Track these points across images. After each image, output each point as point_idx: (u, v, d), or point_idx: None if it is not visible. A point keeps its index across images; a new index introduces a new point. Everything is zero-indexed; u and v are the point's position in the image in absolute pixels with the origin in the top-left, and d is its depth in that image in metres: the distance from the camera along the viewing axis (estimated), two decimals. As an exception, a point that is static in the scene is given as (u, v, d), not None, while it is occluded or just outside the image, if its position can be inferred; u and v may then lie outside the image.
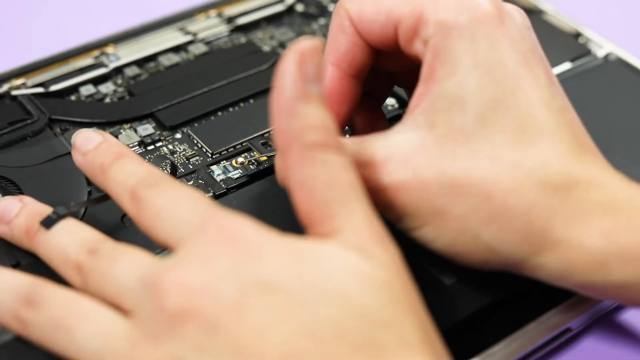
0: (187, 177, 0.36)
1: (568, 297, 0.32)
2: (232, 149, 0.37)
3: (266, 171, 0.36)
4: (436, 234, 0.29)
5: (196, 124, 0.39)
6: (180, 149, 0.38)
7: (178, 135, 0.38)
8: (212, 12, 0.46)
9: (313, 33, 0.46)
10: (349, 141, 0.29)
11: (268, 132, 0.38)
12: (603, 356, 0.33)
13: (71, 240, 0.28)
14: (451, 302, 0.31)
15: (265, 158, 0.37)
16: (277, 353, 0.23)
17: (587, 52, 0.44)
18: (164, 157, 0.37)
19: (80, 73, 0.42)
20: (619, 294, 0.28)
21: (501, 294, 0.31)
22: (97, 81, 0.42)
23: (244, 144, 0.38)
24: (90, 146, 0.30)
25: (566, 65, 0.43)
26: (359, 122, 0.34)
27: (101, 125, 0.39)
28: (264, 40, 0.45)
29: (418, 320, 0.25)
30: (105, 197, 0.30)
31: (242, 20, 0.46)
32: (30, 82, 0.41)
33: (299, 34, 0.45)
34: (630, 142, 0.38)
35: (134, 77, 0.42)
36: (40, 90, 0.40)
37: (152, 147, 0.38)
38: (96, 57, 0.43)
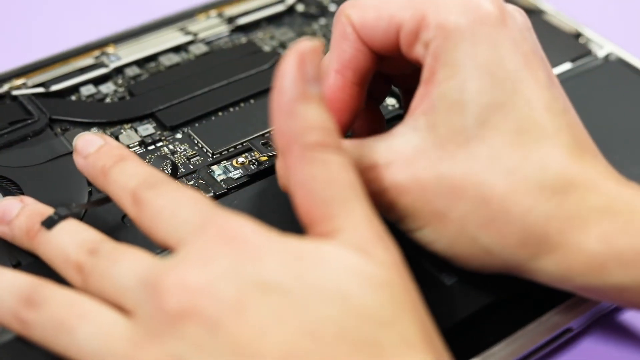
0: (187, 177, 0.36)
1: (568, 298, 0.32)
2: (232, 149, 0.37)
3: (267, 171, 0.36)
4: (435, 236, 0.29)
5: (197, 124, 0.39)
6: (180, 149, 0.38)
7: (179, 135, 0.39)
8: (213, 12, 0.46)
9: (313, 33, 0.46)
10: (350, 143, 0.30)
11: (269, 132, 0.38)
12: (603, 356, 0.33)
13: (72, 240, 0.28)
14: (451, 302, 0.31)
15: (265, 158, 0.37)
16: (277, 353, 0.23)
17: (587, 52, 0.44)
18: (165, 157, 0.37)
19: (81, 73, 0.42)
20: (617, 297, 0.28)
21: (501, 294, 0.31)
22: (97, 81, 0.42)
23: (244, 144, 0.38)
24: (92, 149, 0.30)
25: (566, 66, 0.43)
26: (357, 123, 0.34)
27: (102, 126, 0.39)
28: (265, 40, 0.45)
29: (418, 319, 0.25)
30: (106, 200, 0.30)
31: (242, 21, 0.46)
32: (30, 82, 0.41)
33: (300, 34, 0.46)
34: (630, 142, 0.38)
35: (135, 77, 0.42)
36: (40, 90, 0.40)
37: (152, 147, 0.38)
38: (96, 57, 0.43)
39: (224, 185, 0.35)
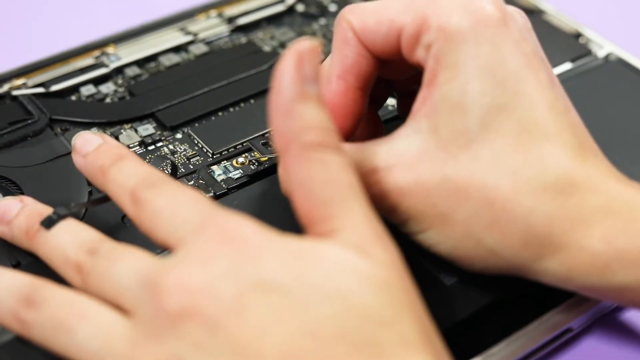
0: (187, 177, 0.36)
1: (569, 297, 0.32)
2: (232, 149, 0.37)
3: (267, 171, 0.36)
4: (439, 238, 0.29)
5: (197, 124, 0.39)
6: (180, 149, 0.38)
7: (179, 135, 0.39)
8: (213, 12, 0.46)
9: (313, 33, 0.46)
10: (352, 147, 0.30)
11: (269, 132, 0.38)
12: (604, 356, 0.33)
13: (71, 240, 0.28)
14: (451, 302, 0.31)
15: (265, 158, 0.37)
16: (277, 353, 0.23)
17: (587, 53, 0.44)
18: (165, 157, 0.37)
19: (81, 73, 0.42)
20: (620, 296, 0.28)
21: (501, 294, 0.31)
22: (97, 81, 0.42)
23: (244, 144, 0.38)
24: (90, 148, 0.30)
25: (567, 66, 0.43)
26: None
27: (102, 126, 0.39)
28: (265, 40, 0.45)
29: (418, 319, 0.25)
30: (105, 199, 0.30)
31: (242, 21, 0.46)
32: (30, 82, 0.41)
33: (300, 34, 0.46)
34: (630, 142, 0.38)
35: (135, 77, 0.42)
36: (40, 90, 0.40)
37: (152, 147, 0.38)
38: (97, 57, 0.43)
39: (224, 186, 0.35)
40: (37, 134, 0.38)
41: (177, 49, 0.44)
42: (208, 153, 0.37)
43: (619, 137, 0.38)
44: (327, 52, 0.34)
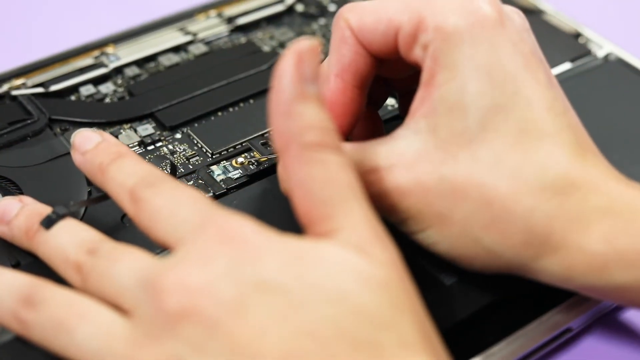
0: (187, 177, 0.36)
1: (568, 297, 0.32)
2: (232, 149, 0.37)
3: (266, 171, 0.36)
4: (438, 238, 0.29)
5: (196, 124, 0.39)
6: (180, 149, 0.38)
7: (178, 136, 0.38)
8: (212, 12, 0.46)
9: (313, 33, 0.46)
10: (352, 147, 0.30)
11: (268, 132, 0.38)
12: (603, 356, 0.33)
13: (71, 240, 0.28)
14: (451, 302, 0.31)
15: (265, 158, 0.37)
16: (277, 353, 0.23)
17: (587, 52, 0.44)
18: (164, 157, 0.37)
19: (80, 73, 0.42)
20: (619, 296, 0.28)
21: (501, 294, 0.31)
22: (97, 81, 0.42)
23: (244, 144, 0.38)
24: (89, 146, 0.30)
25: (566, 66, 0.43)
26: (356, 127, 0.34)
27: (101, 126, 0.39)
28: (264, 40, 0.45)
29: (417, 319, 0.25)
30: (104, 197, 0.30)
31: (242, 21, 0.46)
32: (30, 82, 0.41)
33: (299, 34, 0.45)
34: (630, 142, 0.38)
35: (134, 77, 0.42)
36: (40, 90, 0.40)
37: (152, 147, 0.38)
38: (96, 57, 0.43)
39: (223, 186, 0.35)
40: (36, 134, 0.38)
41: (176, 49, 0.44)
42: (207, 153, 0.37)
43: (618, 137, 0.38)
44: (326, 52, 0.35)
